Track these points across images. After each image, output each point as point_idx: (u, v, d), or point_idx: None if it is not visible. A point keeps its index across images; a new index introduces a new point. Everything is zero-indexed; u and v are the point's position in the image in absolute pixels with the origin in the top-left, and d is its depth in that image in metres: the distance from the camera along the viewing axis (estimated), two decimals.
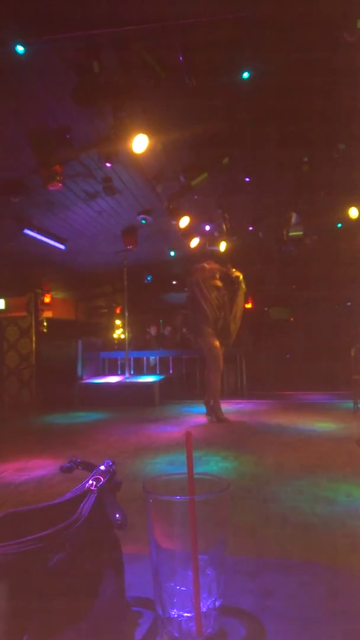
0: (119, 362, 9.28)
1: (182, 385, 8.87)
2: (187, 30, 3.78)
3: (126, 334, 8.83)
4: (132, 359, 9.13)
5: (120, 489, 0.64)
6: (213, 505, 0.55)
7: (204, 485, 0.57)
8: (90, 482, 0.59)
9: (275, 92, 4.36)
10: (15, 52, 3.78)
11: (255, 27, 3.46)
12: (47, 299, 9.31)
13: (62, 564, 0.50)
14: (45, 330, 8.92)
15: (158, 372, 9.11)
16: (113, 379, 8.51)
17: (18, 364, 8.26)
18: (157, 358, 9.38)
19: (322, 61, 3.79)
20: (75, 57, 3.90)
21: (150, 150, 4.75)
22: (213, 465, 4.01)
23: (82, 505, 0.55)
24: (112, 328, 11.44)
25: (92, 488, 0.58)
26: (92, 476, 0.61)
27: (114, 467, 0.64)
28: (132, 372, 9.03)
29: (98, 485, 0.59)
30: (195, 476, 0.55)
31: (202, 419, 6.48)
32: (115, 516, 0.59)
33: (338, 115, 4.55)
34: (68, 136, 4.74)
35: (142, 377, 8.65)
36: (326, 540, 2.46)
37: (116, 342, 10.97)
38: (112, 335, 11.37)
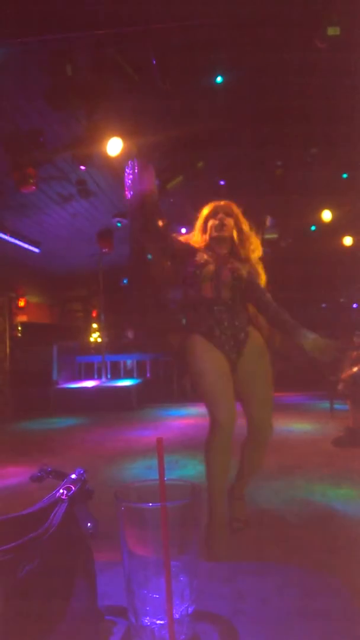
0: (95, 366, 9.21)
1: (160, 388, 8.86)
2: (160, 33, 3.80)
3: (102, 337, 8.77)
4: (108, 362, 9.07)
5: (92, 498, 0.63)
6: (185, 511, 0.55)
7: (177, 491, 0.57)
8: (61, 491, 0.58)
9: (250, 95, 4.41)
10: None
11: (228, 29, 3.50)
12: (21, 303, 9.18)
13: (32, 574, 0.50)
14: (19, 334, 8.78)
15: (135, 376, 9.07)
16: (90, 384, 8.43)
17: None
18: (135, 361, 9.34)
19: (296, 64, 3.85)
20: (48, 60, 3.87)
21: (125, 153, 4.74)
22: (190, 468, 4.01)
23: (52, 515, 0.54)
24: (89, 331, 11.35)
25: (63, 497, 0.57)
26: (63, 485, 0.60)
27: (85, 475, 0.64)
28: (109, 376, 8.97)
29: (69, 494, 0.58)
30: (167, 482, 0.55)
31: (179, 422, 6.48)
32: (87, 525, 0.58)
33: (312, 117, 4.63)
34: (41, 139, 4.70)
35: (119, 381, 8.60)
36: (302, 541, 2.49)
37: (92, 345, 10.88)
38: (88, 338, 11.28)
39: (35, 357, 8.19)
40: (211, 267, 2.39)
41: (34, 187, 5.00)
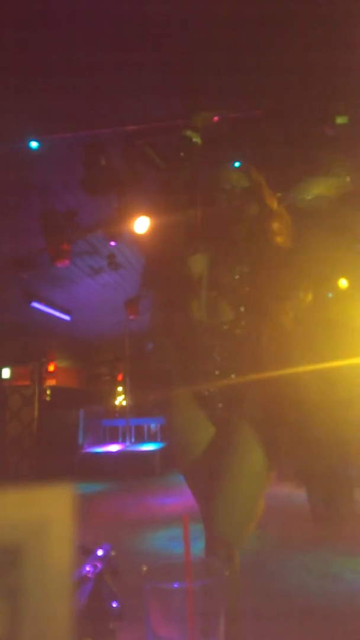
0: (120, 430, 9.23)
1: None
2: (185, 127, 4.23)
3: (127, 401, 8.86)
4: (133, 426, 9.08)
5: (118, 575, 0.69)
6: (210, 592, 0.55)
7: (201, 570, 0.58)
8: (87, 568, 0.66)
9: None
10: (29, 147, 4.21)
11: (246, 123, 3.87)
12: (51, 368, 9.44)
13: None
14: (48, 398, 8.97)
15: (159, 440, 9.03)
16: (114, 447, 8.43)
17: (20, 433, 8.24)
18: (158, 425, 9.33)
19: (309, 156, 4.17)
20: (83, 152, 4.33)
21: (152, 231, 5.09)
22: None
23: (78, 593, 0.62)
24: (114, 395, 11.47)
25: (89, 575, 0.65)
26: (90, 562, 0.67)
27: (112, 552, 0.71)
28: (132, 440, 8.96)
29: (95, 572, 0.66)
30: (194, 561, 0.56)
31: None
32: (112, 606, 0.64)
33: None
34: (76, 218, 5.12)
35: (143, 445, 8.58)
36: (333, 622, 2.39)
37: (118, 409, 10.95)
38: (113, 402, 11.37)
39: (63, 421, 8.31)
40: None
41: (67, 262, 5.37)
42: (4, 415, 8.43)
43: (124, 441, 8.87)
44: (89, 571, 0.65)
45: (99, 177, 4.28)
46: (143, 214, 5.02)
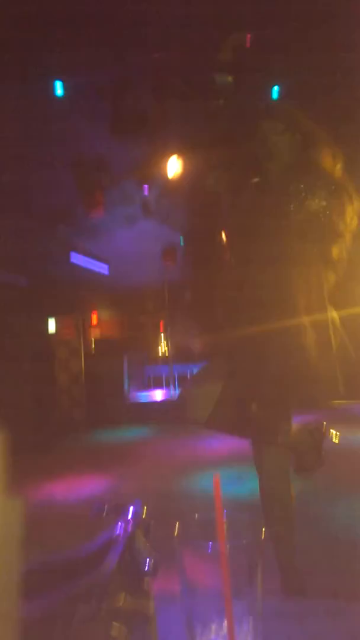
0: (164, 377, 9.40)
1: None
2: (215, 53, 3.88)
3: (168, 348, 8.95)
4: (176, 373, 9.22)
5: (150, 531, 0.65)
6: (245, 550, 0.53)
7: (238, 524, 0.56)
8: (117, 528, 0.62)
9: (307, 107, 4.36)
10: (55, 94, 4.03)
11: (281, 49, 3.52)
12: (94, 320, 9.61)
13: (88, 620, 0.51)
14: (93, 349, 9.19)
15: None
16: (159, 394, 8.63)
17: (69, 383, 8.54)
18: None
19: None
20: (110, 92, 4.10)
21: (186, 173, 4.86)
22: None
23: (109, 555, 0.58)
24: (157, 343, 11.62)
25: (120, 534, 0.61)
26: (120, 521, 0.63)
27: (143, 508, 0.66)
28: (177, 385, 9.12)
29: (126, 531, 0.61)
30: (230, 514, 0.55)
31: None
32: (145, 563, 0.56)
33: None
34: (107, 164, 4.96)
35: None
36: None
37: (160, 356, 11.13)
38: (156, 350, 11.55)
39: (108, 369, 8.52)
40: None
41: (102, 212, 5.27)
42: (52, 366, 8.72)
43: (167, 387, 9.05)
44: (119, 531, 0.57)
45: (126, 117, 4.06)
46: (174, 155, 4.78)
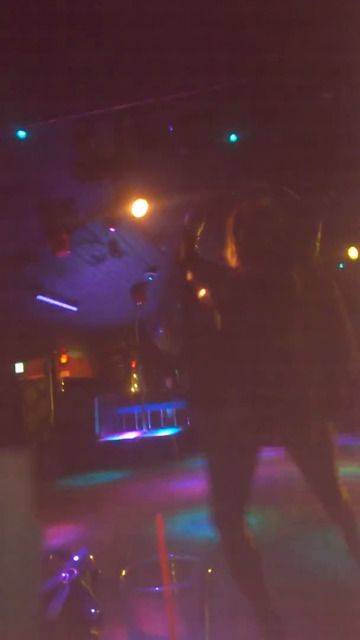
0: (136, 417, 9.24)
1: (200, 436, 8.74)
2: (174, 104, 4.08)
3: (141, 387, 8.85)
4: (149, 412, 9.09)
5: (97, 579, 0.64)
6: (192, 593, 0.53)
7: (184, 570, 0.55)
8: (63, 575, 0.61)
9: (264, 149, 4.59)
10: (17, 137, 4.11)
11: (234, 96, 3.73)
12: (63, 359, 9.46)
13: None
14: (63, 390, 8.99)
15: (176, 425, 9.02)
16: (131, 435, 8.45)
17: (37, 427, 8.30)
18: (174, 410, 9.32)
19: (305, 112, 4.01)
20: (72, 136, 4.22)
21: (151, 213, 4.98)
22: None
23: (53, 601, 0.58)
24: (129, 383, 11.49)
25: (65, 582, 0.60)
26: (66, 568, 0.63)
27: (89, 556, 0.66)
28: (149, 426, 8.97)
29: (71, 578, 0.61)
30: (176, 559, 0.55)
31: None
32: (90, 611, 0.59)
33: (331, 163, 4.73)
34: (72, 206, 5.03)
35: (160, 430, 8.58)
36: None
37: (133, 396, 10.97)
38: (129, 390, 11.40)
39: (79, 411, 8.34)
40: None
41: (68, 252, 5.30)
42: (20, 410, 8.48)
43: (140, 428, 8.89)
44: (64, 577, 0.61)
45: (91, 162, 4.17)
46: (140, 198, 4.90)
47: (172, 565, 0.55)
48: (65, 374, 9.67)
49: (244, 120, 4.08)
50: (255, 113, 3.98)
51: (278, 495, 4.57)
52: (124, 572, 0.55)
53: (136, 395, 10.65)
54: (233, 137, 4.21)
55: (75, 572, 0.57)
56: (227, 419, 1.86)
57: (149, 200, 4.84)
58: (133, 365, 11.02)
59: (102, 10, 3.28)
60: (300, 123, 4.24)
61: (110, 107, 4.00)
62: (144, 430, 8.65)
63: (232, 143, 4.28)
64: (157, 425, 9.10)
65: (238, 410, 1.83)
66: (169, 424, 9.10)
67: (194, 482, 5.81)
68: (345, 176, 4.81)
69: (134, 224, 5.34)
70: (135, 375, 11.07)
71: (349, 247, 6.49)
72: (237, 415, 1.84)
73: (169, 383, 10.06)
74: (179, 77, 3.83)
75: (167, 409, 9.38)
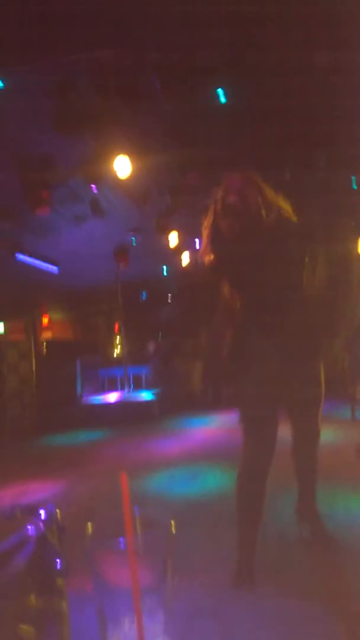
0: (118, 379, 9.31)
1: (180, 396, 8.88)
2: (162, 54, 3.87)
3: (123, 350, 8.88)
4: (131, 375, 9.15)
5: (64, 533, 0.64)
6: (155, 546, 0.55)
7: (149, 523, 0.58)
8: (29, 528, 0.60)
9: (253, 110, 4.44)
10: None
11: (229, 48, 3.55)
12: (45, 321, 9.38)
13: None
14: (45, 351, 8.96)
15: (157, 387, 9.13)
16: (113, 396, 8.53)
17: (19, 387, 8.29)
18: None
19: (298, 85, 3.87)
20: (52, 84, 3.99)
21: (135, 172, 4.83)
22: (212, 481, 4.01)
23: (18, 556, 0.57)
24: (112, 345, 11.49)
25: (30, 535, 0.59)
26: (31, 523, 0.62)
27: (56, 511, 0.65)
28: (131, 387, 9.06)
29: (37, 531, 0.60)
30: (142, 512, 0.58)
31: (200, 431, 6.48)
32: (55, 563, 0.60)
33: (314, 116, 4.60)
34: (52, 162, 4.83)
35: (141, 392, 8.67)
36: (322, 557, 2.42)
37: (115, 358, 11.01)
38: (111, 352, 11.42)
39: (60, 372, 8.35)
40: None
41: (48, 210, 5.14)
42: (1, 370, 8.44)
43: (122, 389, 8.96)
44: (29, 530, 0.58)
45: (71, 113, 3.97)
46: (123, 154, 4.73)
47: (137, 519, 0.57)
48: (47, 335, 9.61)
49: (233, 78, 3.92)
50: (246, 70, 3.81)
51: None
52: (89, 526, 0.57)
53: (118, 357, 10.69)
54: (222, 98, 4.05)
55: (42, 526, 0.58)
56: (257, 376, 2.05)
57: (132, 158, 4.68)
58: (116, 329, 11.01)
59: None
60: (296, 97, 4.09)
61: (92, 54, 3.78)
62: (126, 391, 8.73)
63: (222, 103, 4.12)
64: (138, 387, 9.20)
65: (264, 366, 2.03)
66: (150, 386, 9.20)
67: (170, 441, 5.94)
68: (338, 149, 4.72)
69: (117, 182, 5.18)
70: (117, 337, 11.08)
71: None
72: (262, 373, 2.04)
73: (150, 346, 10.10)
74: (164, 30, 3.63)
75: (149, 371, 9.45)
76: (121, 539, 0.54)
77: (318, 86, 3.94)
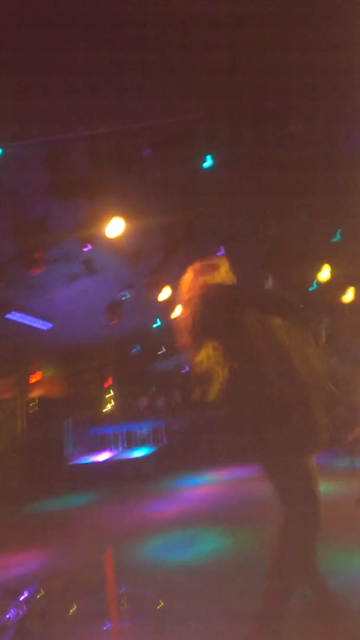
0: (111, 436, 9.12)
1: (175, 455, 8.67)
2: (153, 128, 4.14)
3: (116, 406, 8.76)
4: (124, 432, 8.98)
5: (44, 618, 0.63)
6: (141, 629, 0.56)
7: (137, 603, 0.59)
8: (9, 614, 0.60)
9: (240, 173, 4.69)
10: None
11: (211, 122, 3.80)
12: (35, 378, 9.29)
13: None
14: (31, 411, 8.79)
15: (151, 444, 8.93)
16: (104, 456, 8.31)
17: (4, 450, 8.06)
18: (150, 429, 9.23)
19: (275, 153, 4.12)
20: (48, 157, 4.21)
21: (127, 232, 5.00)
22: (209, 544, 3.86)
23: None
24: (103, 402, 11.33)
25: (10, 622, 0.59)
26: (12, 607, 0.61)
27: (37, 594, 0.65)
28: (125, 445, 8.85)
29: (17, 618, 0.60)
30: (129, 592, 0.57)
31: (196, 491, 6.28)
32: None
33: (304, 188, 4.87)
34: (46, 225, 5.00)
35: (135, 450, 8.47)
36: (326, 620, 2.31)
37: (107, 415, 10.82)
38: (103, 409, 11.24)
39: (50, 432, 8.16)
40: None
41: (42, 269, 5.24)
42: None
43: (115, 448, 8.76)
44: (9, 617, 0.52)
45: (65, 183, 4.17)
46: (116, 216, 4.91)
47: (123, 600, 0.57)
48: (37, 393, 9.48)
49: (220, 145, 4.17)
50: (231, 139, 4.07)
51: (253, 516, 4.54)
52: (73, 608, 0.57)
53: (110, 414, 10.52)
54: (209, 162, 4.29)
55: (21, 612, 0.55)
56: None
57: (125, 220, 4.86)
58: (107, 385, 10.90)
59: (79, 32, 3.33)
60: (276, 148, 4.36)
61: (86, 131, 4.03)
62: (119, 449, 8.53)
63: (209, 167, 4.36)
64: (132, 445, 8.99)
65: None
66: (144, 443, 9.00)
67: (165, 504, 5.73)
68: (319, 199, 4.95)
69: (109, 243, 5.34)
70: (110, 394, 10.95)
71: (322, 266, 6.63)
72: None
73: (143, 402, 9.98)
74: (156, 102, 3.90)
75: (143, 428, 9.28)
76: (107, 623, 0.54)
77: (302, 158, 4.20)
